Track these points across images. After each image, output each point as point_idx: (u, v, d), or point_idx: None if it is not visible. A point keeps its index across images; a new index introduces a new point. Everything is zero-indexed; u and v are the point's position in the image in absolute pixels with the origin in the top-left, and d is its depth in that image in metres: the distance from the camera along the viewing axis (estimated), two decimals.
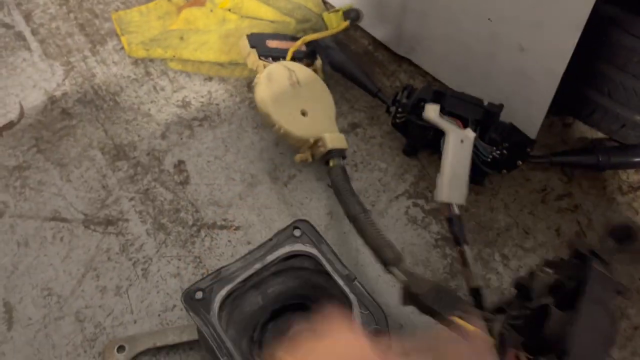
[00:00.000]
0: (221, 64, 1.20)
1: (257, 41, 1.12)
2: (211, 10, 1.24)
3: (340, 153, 1.04)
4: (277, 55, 1.10)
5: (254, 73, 1.13)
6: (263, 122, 1.09)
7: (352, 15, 1.18)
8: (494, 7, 0.95)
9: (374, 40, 1.29)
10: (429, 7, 1.07)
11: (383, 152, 1.14)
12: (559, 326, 0.61)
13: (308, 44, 1.14)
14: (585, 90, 1.06)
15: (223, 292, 0.83)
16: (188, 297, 0.82)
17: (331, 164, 1.03)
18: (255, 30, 1.18)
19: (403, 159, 1.13)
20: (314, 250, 0.87)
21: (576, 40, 0.86)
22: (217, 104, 1.18)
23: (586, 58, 1.01)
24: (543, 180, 1.10)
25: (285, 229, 0.89)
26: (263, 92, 1.01)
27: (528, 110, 1.03)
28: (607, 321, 0.61)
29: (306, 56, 1.15)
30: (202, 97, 1.19)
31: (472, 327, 0.67)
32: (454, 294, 0.84)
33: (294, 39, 1.15)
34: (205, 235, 1.01)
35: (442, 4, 1.05)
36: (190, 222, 1.02)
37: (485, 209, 1.07)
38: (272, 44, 1.12)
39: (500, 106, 1.01)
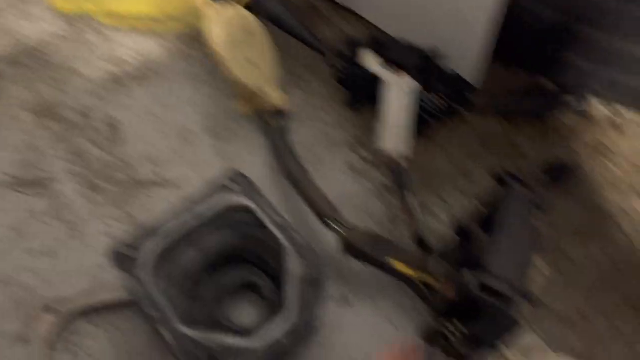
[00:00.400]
0: (156, 19, 1.15)
1: None
2: None
3: (282, 111, 1.02)
4: None
5: (189, 27, 1.09)
6: (214, 62, 1.04)
7: None
8: None
9: None
10: None
11: (325, 104, 1.12)
12: (482, 243, 0.62)
13: None
14: (523, 31, 1.05)
15: (156, 248, 0.81)
16: (119, 255, 0.79)
17: (272, 123, 1.01)
18: None
19: (345, 110, 1.11)
20: (249, 203, 0.85)
21: None
22: (151, 60, 1.13)
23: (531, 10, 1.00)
24: (483, 126, 1.10)
25: (220, 182, 0.87)
26: (218, 31, 0.98)
27: (467, 57, 1.02)
28: (527, 232, 0.62)
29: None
30: (136, 53, 1.14)
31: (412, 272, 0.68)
32: (390, 241, 0.84)
33: None
34: (140, 194, 0.97)
35: None
36: (125, 181, 0.99)
37: (426, 154, 1.06)
38: None
39: (440, 53, 1.00)
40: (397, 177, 0.94)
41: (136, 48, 1.15)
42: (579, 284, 0.94)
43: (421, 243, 0.87)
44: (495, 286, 0.58)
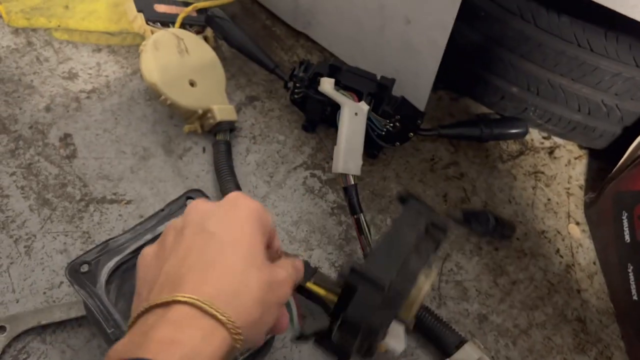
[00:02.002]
0: (111, 33, 1.15)
1: (144, 4, 1.08)
2: None
3: (229, 125, 1.05)
4: (165, 21, 1.08)
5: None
6: (150, 91, 1.06)
7: None
8: None
9: (271, 14, 1.29)
10: None
11: (281, 125, 1.15)
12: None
13: (199, 11, 1.12)
14: (469, 66, 1.13)
15: (111, 264, 0.80)
16: (72, 270, 0.78)
17: (217, 137, 1.04)
18: None
19: (301, 132, 1.14)
20: None
21: (455, 13, 0.91)
22: (106, 76, 1.13)
23: (467, 37, 1.07)
24: (432, 151, 1.16)
25: (177, 199, 0.87)
26: (149, 60, 0.98)
27: (417, 83, 1.08)
28: (411, 240, 0.63)
29: (197, 23, 1.13)
30: (91, 68, 1.13)
31: (323, 291, 0.68)
32: (312, 267, 0.86)
33: (185, 4, 1.13)
34: (94, 210, 0.97)
35: None
36: (78, 197, 0.97)
37: (379, 178, 1.11)
38: (161, 8, 1.09)
39: (392, 80, 1.05)
40: (349, 197, 0.98)
41: (91, 63, 1.14)
42: (517, 299, 1.00)
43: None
44: (360, 269, 0.58)
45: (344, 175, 0.97)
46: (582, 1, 0.84)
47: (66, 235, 0.93)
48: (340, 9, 1.11)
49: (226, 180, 0.99)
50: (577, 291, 1.03)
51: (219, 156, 1.02)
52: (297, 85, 1.07)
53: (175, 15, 1.08)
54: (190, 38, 1.05)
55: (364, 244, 0.95)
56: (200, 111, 1.01)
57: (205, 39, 1.15)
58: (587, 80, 1.00)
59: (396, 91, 1.07)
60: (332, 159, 1.10)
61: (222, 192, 0.98)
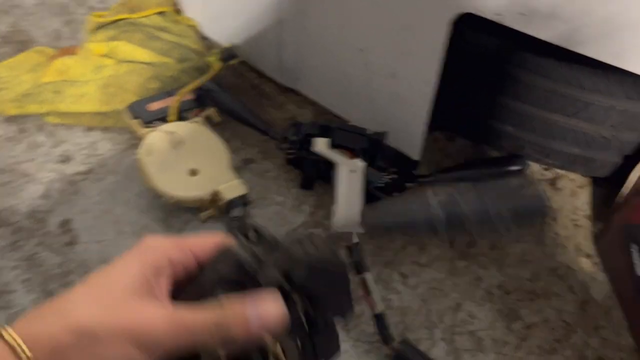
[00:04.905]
0: (104, 113, 1.16)
1: (138, 110, 1.11)
2: (86, 58, 1.19)
3: (242, 200, 1.03)
4: (162, 117, 1.09)
5: None
6: (154, 193, 1.05)
7: (225, 55, 1.18)
8: (363, 38, 0.99)
9: (259, 73, 1.30)
10: (303, 39, 1.10)
11: (279, 186, 1.14)
12: None
13: (195, 91, 1.13)
14: (462, 107, 1.12)
15: None
16: None
17: (230, 214, 1.02)
18: (134, 76, 1.16)
19: (299, 190, 1.14)
20: None
21: (438, 67, 0.91)
22: (101, 155, 1.14)
23: (456, 79, 1.07)
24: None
25: None
26: (145, 167, 1.01)
27: (409, 132, 1.08)
28: None
29: (195, 105, 1.14)
30: (85, 149, 1.14)
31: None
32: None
33: (172, 93, 1.14)
34: None
35: (314, 36, 1.07)
36: None
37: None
38: (153, 106, 1.11)
39: (383, 134, 1.05)
40: (353, 256, 0.96)
41: (85, 143, 1.15)
42: (535, 344, 0.98)
43: (379, 321, 0.90)
44: None
45: (347, 234, 0.96)
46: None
47: None
48: (326, 66, 1.11)
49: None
50: (594, 329, 1.01)
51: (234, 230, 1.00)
52: (290, 147, 1.07)
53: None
54: (182, 127, 1.07)
55: (372, 303, 0.93)
56: (207, 197, 1.02)
57: (208, 118, 1.15)
58: (581, 116, 0.99)
59: (390, 140, 1.07)
60: (333, 217, 1.10)
61: None
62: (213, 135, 1.10)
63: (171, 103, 1.11)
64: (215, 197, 1.03)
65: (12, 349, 0.35)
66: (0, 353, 0.35)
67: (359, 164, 1.01)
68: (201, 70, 1.21)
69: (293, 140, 1.06)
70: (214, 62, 1.18)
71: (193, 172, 1.04)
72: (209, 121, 1.15)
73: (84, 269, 0.99)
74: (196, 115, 1.14)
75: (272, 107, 1.26)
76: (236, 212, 1.02)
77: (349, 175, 1.02)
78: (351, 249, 0.98)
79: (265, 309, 0.36)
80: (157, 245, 0.41)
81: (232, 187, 1.03)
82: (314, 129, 1.06)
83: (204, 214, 1.04)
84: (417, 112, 1.03)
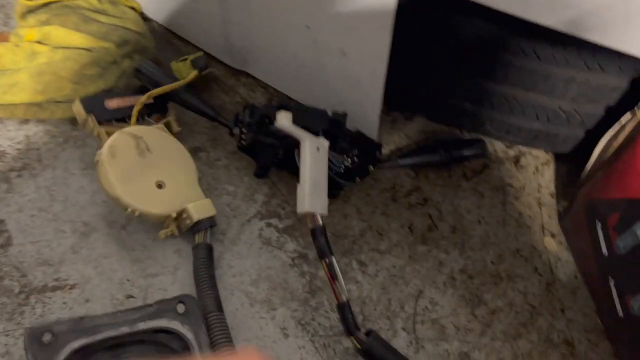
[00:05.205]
0: (39, 104, 1.08)
1: (93, 105, 0.99)
2: (17, 45, 1.11)
3: (209, 222, 0.95)
4: (121, 117, 1.00)
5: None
6: (114, 204, 0.95)
7: (200, 64, 1.10)
8: (308, 14, 0.92)
9: (208, 55, 1.22)
10: (248, 17, 1.03)
11: (230, 175, 1.08)
12: None
13: (156, 98, 1.03)
14: (418, 85, 1.07)
15: (76, 344, 0.73)
16: (33, 337, 0.71)
17: (196, 239, 0.94)
18: (70, 63, 1.07)
19: (252, 179, 1.08)
20: (189, 335, 0.79)
21: (388, 42, 0.85)
22: (37, 149, 1.06)
23: (414, 56, 1.01)
24: (392, 179, 1.10)
25: (169, 300, 0.82)
26: (107, 172, 0.89)
27: (364, 114, 1.02)
28: None
29: (156, 110, 1.06)
30: (19, 143, 1.06)
31: None
32: None
33: (138, 92, 1.03)
34: (36, 302, 0.89)
35: (259, 14, 1.01)
36: (17, 290, 0.90)
37: (339, 216, 1.04)
38: (112, 103, 1.00)
39: (344, 114, 0.99)
40: (318, 239, 0.90)
41: (19, 137, 1.07)
42: (499, 330, 0.94)
43: (343, 310, 0.85)
44: None
45: (311, 216, 0.89)
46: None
47: (7, 335, 0.86)
48: (274, 46, 1.05)
49: (207, 295, 0.88)
50: (561, 311, 0.98)
51: (199, 264, 0.91)
52: (244, 131, 1.00)
53: (131, 108, 0.99)
54: (150, 133, 0.96)
55: (337, 291, 0.87)
56: (174, 214, 0.93)
57: (167, 125, 1.06)
58: (540, 89, 0.94)
59: (348, 124, 1.01)
60: (287, 203, 1.04)
61: (203, 309, 0.86)
62: (180, 145, 1.01)
63: (135, 103, 1.01)
64: (181, 215, 0.95)
65: None
66: None
67: (324, 142, 0.95)
68: (146, 54, 1.14)
69: (248, 123, 0.99)
70: (183, 70, 1.10)
71: (159, 185, 0.94)
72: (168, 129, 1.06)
73: (19, 273, 0.92)
74: (157, 122, 1.06)
75: (222, 92, 1.19)
76: (201, 236, 0.95)
77: (315, 153, 0.94)
78: (315, 231, 0.91)
79: None
80: None
81: (201, 207, 0.95)
82: (270, 110, 0.98)
83: (164, 232, 0.95)
84: (371, 92, 0.97)
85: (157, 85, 1.04)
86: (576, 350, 0.94)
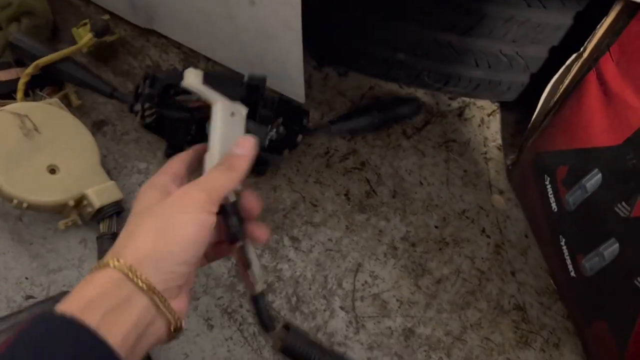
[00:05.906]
0: None
1: None
2: None
3: (116, 208, 0.84)
4: (6, 92, 0.86)
5: None
6: None
7: (97, 27, 0.95)
8: None
9: (111, 14, 1.07)
10: None
11: (141, 150, 0.96)
12: None
13: (44, 68, 0.88)
14: (346, 38, 0.95)
15: None
16: None
17: (101, 228, 0.83)
18: None
19: (162, 159, 0.95)
20: None
21: None
22: None
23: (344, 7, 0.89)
24: (325, 143, 0.99)
25: (50, 300, 0.73)
26: None
27: (286, 74, 0.90)
28: None
29: (50, 82, 0.91)
30: None
31: None
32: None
33: (24, 64, 0.89)
34: None
35: None
36: None
37: (268, 189, 0.94)
38: None
39: (263, 78, 0.86)
40: (229, 220, 0.79)
41: None
42: (445, 300, 0.87)
43: (258, 304, 0.75)
44: None
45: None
46: None
47: None
48: None
49: None
50: (511, 274, 0.91)
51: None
52: (146, 105, 0.87)
53: (16, 82, 0.85)
54: (39, 110, 0.83)
55: (252, 280, 0.78)
56: (71, 202, 0.81)
57: (65, 98, 0.92)
58: (477, 32, 0.84)
59: (268, 85, 0.89)
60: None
61: None
62: (77, 121, 0.88)
63: (20, 75, 0.87)
64: (80, 202, 0.83)
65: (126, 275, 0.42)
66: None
67: (242, 108, 0.82)
68: (36, 17, 0.98)
69: (149, 95, 0.86)
70: (82, 35, 0.95)
71: (52, 170, 0.82)
72: (65, 103, 0.92)
73: None
74: (50, 96, 0.91)
75: (129, 55, 1.05)
76: (106, 224, 0.83)
77: (228, 119, 0.82)
78: (225, 209, 0.81)
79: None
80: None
81: (103, 191, 0.83)
82: (175, 78, 0.85)
83: (63, 223, 0.83)
84: (289, 47, 0.85)
85: (36, 59, 0.89)
86: (528, 315, 0.87)
